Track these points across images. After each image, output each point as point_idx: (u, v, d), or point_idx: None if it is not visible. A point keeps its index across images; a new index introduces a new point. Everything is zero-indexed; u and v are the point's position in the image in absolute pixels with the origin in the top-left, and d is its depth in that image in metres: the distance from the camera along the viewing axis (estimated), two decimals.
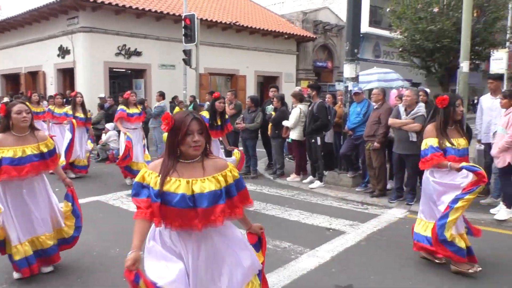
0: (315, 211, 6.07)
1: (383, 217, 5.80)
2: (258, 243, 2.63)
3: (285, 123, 7.93)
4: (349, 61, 7.60)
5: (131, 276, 2.09)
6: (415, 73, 16.30)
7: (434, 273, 3.97)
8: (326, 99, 8.45)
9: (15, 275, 3.73)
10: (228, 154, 6.94)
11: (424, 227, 4.11)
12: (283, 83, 20.11)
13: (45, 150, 3.69)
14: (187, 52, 13.75)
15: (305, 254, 4.41)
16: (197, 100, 13.52)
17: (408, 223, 5.54)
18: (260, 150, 9.30)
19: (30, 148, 3.59)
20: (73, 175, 8.12)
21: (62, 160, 7.75)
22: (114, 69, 15.56)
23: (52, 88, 15.75)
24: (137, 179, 2.22)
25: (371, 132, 6.59)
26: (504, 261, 4.25)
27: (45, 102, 11.04)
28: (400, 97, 7.08)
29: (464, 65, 6.72)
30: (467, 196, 3.68)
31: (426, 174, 4.06)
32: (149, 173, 2.19)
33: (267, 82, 20.46)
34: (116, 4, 13.92)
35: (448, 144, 3.86)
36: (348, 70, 7.62)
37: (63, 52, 15.04)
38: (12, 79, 19.14)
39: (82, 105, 8.28)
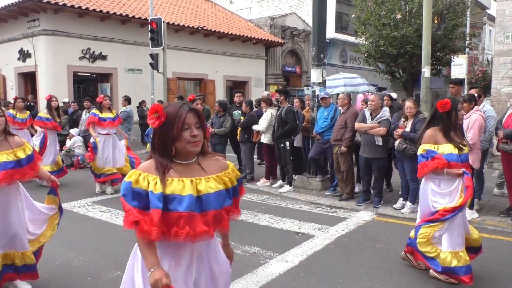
0: (284, 216, 6.08)
1: (351, 220, 5.88)
2: None
3: (256, 127, 7.93)
4: (316, 66, 7.69)
5: None
6: (380, 78, 16.74)
7: (401, 275, 4.04)
8: (294, 104, 8.51)
9: None
10: None
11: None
12: (252, 87, 20.16)
13: (22, 156, 3.33)
14: (154, 56, 13.54)
15: (274, 259, 4.39)
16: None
17: (375, 226, 5.64)
18: (230, 155, 9.25)
19: (5, 154, 3.23)
20: (45, 183, 7.82)
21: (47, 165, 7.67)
22: (79, 73, 15.11)
23: (12, 92, 15.12)
24: (128, 179, 1.83)
25: (338, 136, 6.68)
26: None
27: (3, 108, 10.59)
28: (365, 101, 7.22)
29: (426, 70, 6.93)
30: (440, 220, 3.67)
31: (424, 181, 3.93)
32: (144, 175, 1.82)
33: (236, 86, 20.43)
34: (79, 7, 13.53)
35: (454, 150, 3.72)
36: (315, 75, 7.71)
37: (24, 55, 14.49)
38: None
39: (57, 109, 8.09)
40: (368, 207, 6.42)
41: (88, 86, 17.45)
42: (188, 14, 18.63)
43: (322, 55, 7.69)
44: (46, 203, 3.71)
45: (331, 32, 21.87)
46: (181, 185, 1.81)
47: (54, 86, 13.71)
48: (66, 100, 12.67)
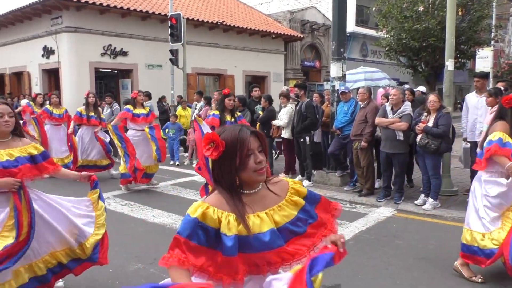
0: None
1: (371, 216, 5.81)
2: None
3: (277, 122, 7.92)
4: (336, 61, 7.61)
5: None
6: (402, 72, 16.44)
7: (420, 271, 3.98)
8: (314, 99, 8.45)
9: None
10: None
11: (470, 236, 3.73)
12: (271, 82, 20.11)
13: (35, 152, 3.13)
14: (173, 52, 13.65)
15: None
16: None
17: (396, 222, 5.57)
18: None
19: (17, 150, 3.04)
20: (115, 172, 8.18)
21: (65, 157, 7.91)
22: (100, 69, 15.38)
23: (37, 88, 15.50)
24: (193, 214, 1.57)
25: (358, 131, 6.60)
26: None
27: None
28: (386, 96, 7.11)
29: (449, 64, 6.76)
30: None
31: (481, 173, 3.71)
32: (213, 209, 1.58)
33: (255, 81, 20.42)
34: (101, 4, 13.75)
35: None
36: (334, 69, 7.63)
37: (48, 52, 14.82)
38: None
39: (95, 105, 8.12)
40: (389, 203, 6.33)
41: (109, 82, 17.76)
42: (207, 9, 18.68)
43: (342, 49, 7.59)
44: (89, 196, 3.64)
45: (351, 25, 21.60)
46: (258, 221, 1.61)
47: (76, 82, 14.00)
48: None
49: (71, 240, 3.23)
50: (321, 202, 1.82)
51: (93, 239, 3.36)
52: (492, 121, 3.78)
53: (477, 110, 6.26)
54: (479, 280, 3.69)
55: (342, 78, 7.64)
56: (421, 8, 13.50)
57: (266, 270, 1.64)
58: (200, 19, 16.64)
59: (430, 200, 5.97)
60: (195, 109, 10.23)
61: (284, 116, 7.89)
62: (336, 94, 7.52)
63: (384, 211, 6.02)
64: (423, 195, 6.18)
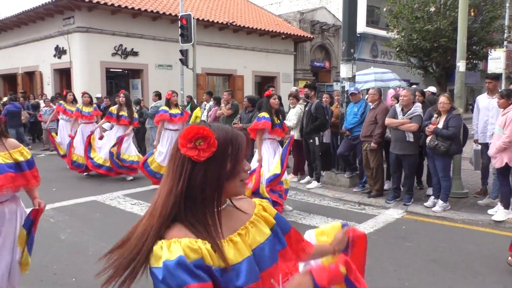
0: (312, 212, 6.05)
1: (380, 218, 5.78)
2: None
3: (285, 123, 7.91)
4: (346, 61, 7.58)
5: None
6: (412, 73, 16.32)
7: (430, 273, 3.95)
8: (323, 99, 8.43)
9: None
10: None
11: None
12: (280, 83, 20.09)
13: (20, 158, 2.72)
14: (184, 52, 13.71)
15: None
16: (195, 101, 13.48)
17: (405, 224, 5.53)
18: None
19: (1, 157, 2.64)
20: (130, 177, 8.14)
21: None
22: (111, 69, 15.51)
23: (49, 88, 15.70)
24: (175, 256, 1.10)
25: (368, 133, 6.57)
26: (501, 262, 4.23)
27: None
28: (396, 97, 7.07)
29: (461, 65, 6.70)
30: None
31: None
32: (189, 241, 1.13)
33: (265, 82, 20.40)
34: (112, 4, 13.87)
35: None
36: (344, 70, 7.60)
37: (60, 52, 14.98)
38: (9, 80, 19.07)
39: (127, 104, 8.11)
40: (398, 204, 6.29)
41: (120, 81, 17.89)
42: (217, 10, 18.74)
43: (352, 50, 7.57)
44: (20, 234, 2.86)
45: (361, 26, 21.49)
46: (232, 247, 1.24)
47: (88, 82, 14.14)
48: (99, 95, 13.04)
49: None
50: (290, 232, 1.48)
51: None
52: None
53: (488, 111, 6.20)
54: None
55: (352, 79, 7.62)
56: (432, 9, 13.40)
57: None
58: (210, 20, 16.70)
59: (440, 202, 5.92)
60: (205, 109, 10.27)
61: (293, 117, 7.89)
62: (346, 95, 7.50)
63: (393, 213, 5.99)
64: (433, 197, 6.13)
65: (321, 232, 1.80)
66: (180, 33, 13.48)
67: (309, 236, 1.72)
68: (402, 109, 6.14)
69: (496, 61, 19.01)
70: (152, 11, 14.88)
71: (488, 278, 3.84)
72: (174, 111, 7.36)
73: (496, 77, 6.94)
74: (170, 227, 1.18)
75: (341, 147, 7.34)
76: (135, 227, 1.23)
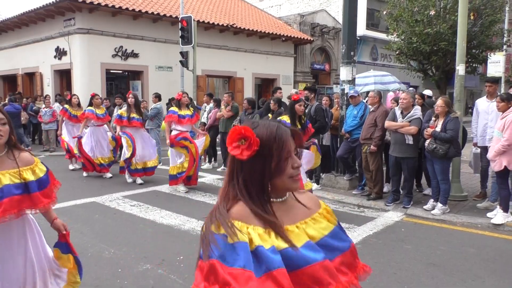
0: None
1: (380, 220, 5.79)
2: None
3: None
4: (346, 64, 7.60)
5: None
6: (412, 76, 16.35)
7: (429, 277, 3.96)
8: (323, 102, 8.44)
9: None
10: None
11: None
12: (280, 85, 20.10)
13: (30, 178, 2.40)
14: (184, 54, 13.73)
15: None
16: (194, 102, 13.49)
17: (404, 226, 5.54)
18: None
19: (8, 175, 2.33)
20: (140, 181, 7.95)
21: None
22: (111, 71, 15.53)
23: (49, 89, 15.70)
24: (218, 231, 1.23)
25: (368, 135, 6.58)
26: (500, 265, 4.24)
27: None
28: (396, 100, 7.08)
29: (460, 68, 6.72)
30: None
31: None
32: (241, 224, 1.24)
33: (265, 84, 20.47)
34: (113, 6, 13.89)
35: None
36: (344, 72, 7.62)
37: (60, 53, 15.00)
38: (9, 80, 19.09)
39: (136, 105, 7.87)
40: (397, 207, 6.30)
41: (120, 83, 17.92)
42: (217, 12, 18.78)
43: (352, 53, 7.58)
44: (54, 257, 2.66)
45: (361, 29, 21.55)
46: (295, 233, 1.31)
47: (88, 83, 14.16)
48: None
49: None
50: (351, 249, 1.44)
51: None
52: None
53: (487, 115, 6.22)
54: None
55: (352, 82, 7.63)
56: (432, 12, 13.42)
57: None
58: (211, 22, 16.73)
59: (439, 205, 5.93)
60: (205, 111, 10.28)
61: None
62: (345, 98, 7.51)
63: (392, 216, 5.99)
64: (432, 199, 6.14)
65: None
66: (180, 35, 13.51)
67: None
68: (401, 112, 6.15)
69: (495, 65, 19.05)
70: (152, 13, 14.91)
71: (487, 281, 3.85)
72: (184, 112, 7.15)
73: (496, 80, 6.97)
74: (239, 203, 1.29)
75: (340, 149, 7.35)
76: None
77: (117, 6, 13.97)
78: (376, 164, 6.59)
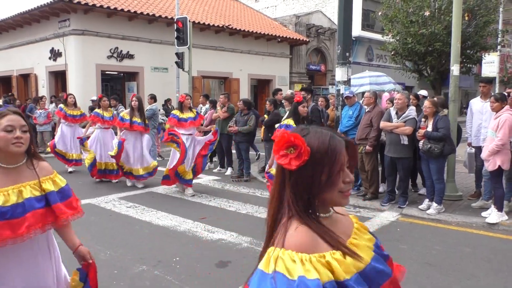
0: None
1: (375, 220, 5.81)
2: None
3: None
4: (341, 65, 7.62)
5: None
6: (407, 76, 16.41)
7: (424, 276, 3.97)
8: (319, 102, 8.46)
9: None
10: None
11: None
12: (276, 86, 20.13)
13: (50, 188, 2.18)
14: (179, 55, 13.72)
15: None
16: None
17: (400, 226, 5.56)
18: (254, 153, 9.30)
19: (29, 187, 2.11)
20: (140, 185, 7.75)
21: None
22: (107, 72, 15.49)
23: (44, 90, 15.64)
24: (312, 276, 1.05)
25: (363, 136, 6.61)
26: (495, 264, 4.26)
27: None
28: (391, 100, 7.11)
29: (455, 69, 6.76)
30: None
31: None
32: (311, 257, 1.09)
33: (261, 85, 20.49)
34: (108, 7, 13.86)
35: None
36: (339, 73, 7.64)
37: (55, 54, 14.95)
38: (4, 82, 19.01)
39: (140, 109, 7.49)
40: (393, 207, 6.32)
41: (115, 84, 17.88)
42: (213, 13, 18.78)
43: (347, 53, 7.60)
44: (71, 280, 2.32)
45: (357, 30, 21.62)
46: (357, 249, 1.21)
47: (83, 85, 14.12)
48: (95, 98, 13.00)
49: None
50: (389, 256, 1.40)
51: None
52: None
53: (481, 115, 6.26)
54: None
55: (347, 82, 7.65)
56: (427, 13, 13.48)
57: None
58: (206, 23, 16.73)
59: (434, 204, 5.95)
60: (200, 112, 10.27)
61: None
62: (341, 98, 7.53)
63: (388, 216, 6.01)
64: (427, 199, 6.17)
65: None
66: (176, 36, 13.49)
67: None
68: (396, 113, 6.18)
69: (490, 65, 19.16)
70: (148, 14, 14.89)
71: (483, 280, 3.87)
72: (186, 115, 6.92)
73: (490, 81, 7.01)
74: (295, 227, 1.15)
75: None
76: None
77: (112, 7, 13.94)
78: (372, 165, 6.62)
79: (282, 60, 20.63)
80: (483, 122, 6.17)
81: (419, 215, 5.96)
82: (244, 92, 18.77)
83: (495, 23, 15.59)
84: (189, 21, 13.51)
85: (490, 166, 5.42)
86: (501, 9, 16.65)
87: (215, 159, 9.97)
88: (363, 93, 9.29)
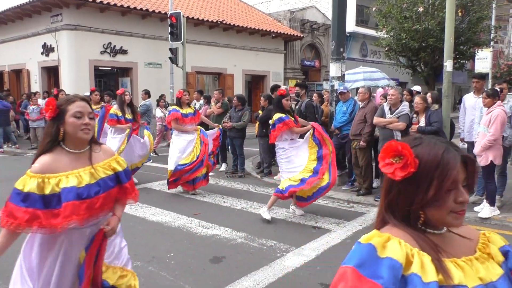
0: (301, 210, 6.07)
1: (369, 215, 5.84)
2: None
3: None
4: (335, 60, 7.63)
5: None
6: (401, 72, 16.48)
7: None
8: (313, 98, 8.48)
9: None
10: None
11: None
12: (270, 82, 20.12)
13: (118, 167, 2.23)
14: (173, 51, 13.65)
15: (290, 252, 4.41)
16: None
17: None
18: (248, 149, 9.30)
19: (101, 168, 2.16)
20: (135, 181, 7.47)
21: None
22: (100, 67, 15.38)
23: (36, 86, 15.52)
24: (367, 241, 1.08)
25: (357, 131, 6.63)
26: None
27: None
28: (385, 96, 7.14)
29: (448, 64, 6.80)
30: None
31: None
32: (399, 241, 1.06)
33: (255, 81, 20.47)
34: (101, 2, 13.73)
35: None
36: (334, 69, 7.65)
37: (47, 50, 14.81)
38: None
39: (131, 104, 7.18)
40: None
41: (108, 80, 17.77)
42: (207, 8, 18.69)
43: (341, 49, 7.62)
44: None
45: (351, 25, 21.63)
46: (459, 270, 1.08)
47: (76, 80, 14.01)
48: (88, 94, 12.93)
49: None
50: None
51: None
52: None
53: (474, 110, 6.30)
54: None
55: (341, 78, 7.67)
56: (421, 9, 13.53)
57: None
58: (200, 18, 16.65)
59: None
60: (195, 107, 10.25)
61: None
62: (335, 94, 7.55)
63: None
64: None
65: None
66: (169, 31, 13.41)
67: None
68: (390, 108, 6.21)
69: (483, 61, 19.25)
70: (141, 9, 14.78)
71: None
72: (186, 110, 6.76)
73: (483, 76, 7.06)
74: (391, 226, 1.13)
75: None
76: None
77: (105, 2, 13.81)
78: (366, 160, 6.65)
79: (277, 56, 20.60)
80: (476, 117, 6.21)
81: None
82: (239, 88, 18.73)
83: (488, 19, 15.69)
84: (183, 16, 13.43)
85: (482, 161, 5.47)
86: (494, 5, 16.74)
87: None
88: (357, 88, 9.31)
